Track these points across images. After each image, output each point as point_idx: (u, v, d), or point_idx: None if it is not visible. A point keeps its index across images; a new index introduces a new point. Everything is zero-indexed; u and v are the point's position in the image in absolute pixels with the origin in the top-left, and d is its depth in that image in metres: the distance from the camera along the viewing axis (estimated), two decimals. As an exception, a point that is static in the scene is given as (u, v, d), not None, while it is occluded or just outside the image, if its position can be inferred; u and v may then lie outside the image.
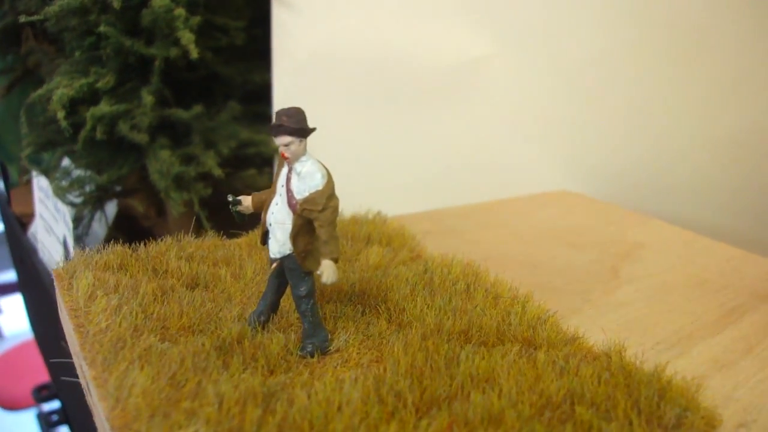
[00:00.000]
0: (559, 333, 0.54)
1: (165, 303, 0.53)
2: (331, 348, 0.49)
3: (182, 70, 1.01)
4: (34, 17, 0.95)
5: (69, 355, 0.58)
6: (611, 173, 1.08)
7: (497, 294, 0.59)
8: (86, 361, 0.48)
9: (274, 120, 0.47)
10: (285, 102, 1.20)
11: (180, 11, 0.92)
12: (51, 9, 0.93)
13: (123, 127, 0.95)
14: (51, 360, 1.23)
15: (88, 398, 0.54)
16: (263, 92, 1.12)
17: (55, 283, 0.62)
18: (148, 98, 0.95)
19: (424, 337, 0.50)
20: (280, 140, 0.47)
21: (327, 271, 0.45)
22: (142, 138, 0.94)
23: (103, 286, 0.55)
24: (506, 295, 0.59)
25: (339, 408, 0.40)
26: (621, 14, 0.97)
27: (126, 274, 0.58)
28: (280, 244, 0.48)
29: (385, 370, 0.45)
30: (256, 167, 1.11)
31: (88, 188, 1.04)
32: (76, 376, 0.61)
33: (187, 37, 0.92)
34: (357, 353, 0.49)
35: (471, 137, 1.11)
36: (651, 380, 0.46)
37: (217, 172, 0.98)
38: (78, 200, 1.04)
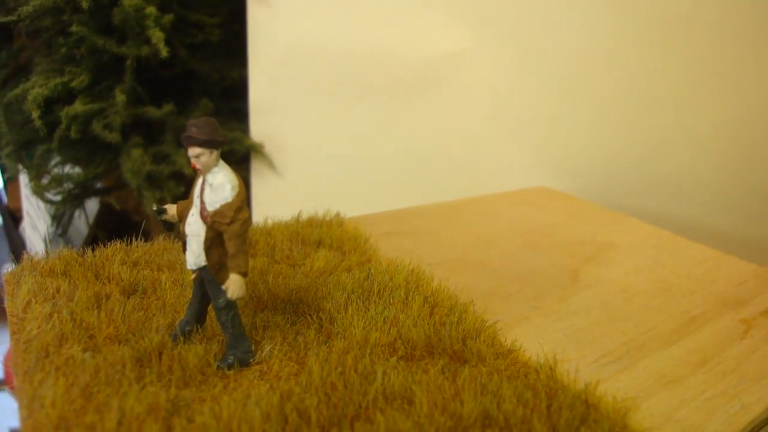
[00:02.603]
0: (494, 346, 0.52)
1: (97, 310, 0.53)
2: (254, 359, 0.49)
3: (157, 68, 1.01)
4: (9, 17, 0.96)
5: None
6: (592, 170, 1.05)
7: (436, 302, 0.58)
8: (16, 367, 0.48)
9: (185, 131, 0.47)
10: (262, 98, 1.20)
11: (151, 10, 0.92)
12: (25, 9, 0.94)
13: (96, 126, 0.95)
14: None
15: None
16: (240, 89, 1.12)
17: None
18: (120, 97, 0.95)
19: (346, 351, 0.49)
20: (191, 152, 0.46)
21: (232, 286, 0.45)
22: (114, 137, 0.95)
23: (43, 292, 0.56)
24: (445, 304, 0.57)
25: (238, 426, 0.40)
26: (600, 8, 0.95)
27: (66, 280, 0.58)
28: (195, 255, 0.47)
29: (296, 385, 0.45)
30: (234, 164, 1.11)
31: (66, 186, 1.05)
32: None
33: (157, 36, 0.92)
34: (278, 365, 0.48)
35: (448, 133, 1.10)
36: (575, 402, 0.44)
37: (188, 171, 0.98)
38: (57, 198, 1.05)
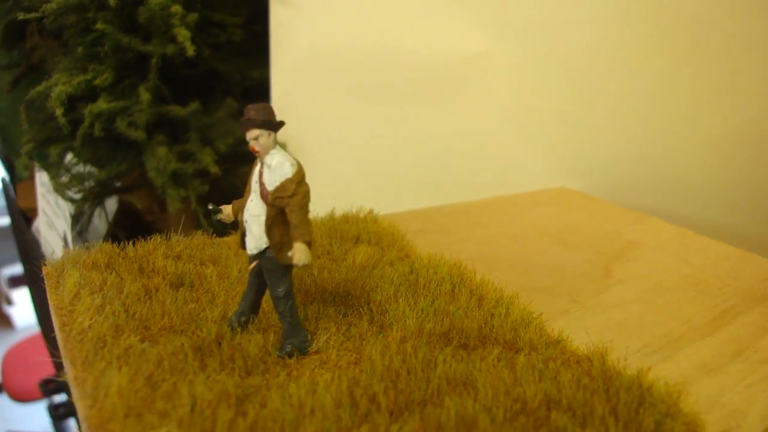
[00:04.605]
0: (543, 336, 0.53)
1: (148, 303, 0.53)
2: (311, 349, 0.49)
3: (180, 67, 1.02)
4: (32, 14, 0.96)
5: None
6: (611, 170, 1.07)
7: (482, 295, 0.59)
8: (68, 360, 0.48)
9: (244, 115, 0.48)
10: (284, 98, 1.20)
11: (176, 8, 0.93)
12: (49, 6, 0.94)
13: (120, 124, 0.95)
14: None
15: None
16: (262, 89, 1.12)
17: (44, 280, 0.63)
18: (145, 95, 0.95)
19: (404, 340, 0.50)
20: (249, 134, 0.47)
21: (298, 253, 0.45)
22: (139, 135, 0.95)
23: (89, 285, 0.56)
24: (491, 297, 0.58)
25: (311, 411, 0.40)
26: (619, 11, 0.96)
27: (112, 273, 0.58)
28: (256, 238, 0.48)
29: (361, 372, 0.45)
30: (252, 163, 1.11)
31: (87, 184, 1.05)
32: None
33: (183, 35, 0.92)
34: (336, 355, 0.49)
35: (469, 133, 1.11)
36: (631, 386, 0.45)
37: (214, 169, 0.98)
38: (77, 196, 1.05)
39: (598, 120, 1.06)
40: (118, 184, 1.12)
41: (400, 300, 0.56)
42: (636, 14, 0.95)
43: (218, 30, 1.05)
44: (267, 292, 0.51)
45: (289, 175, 0.47)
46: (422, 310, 0.54)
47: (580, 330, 0.57)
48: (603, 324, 0.60)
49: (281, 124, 0.48)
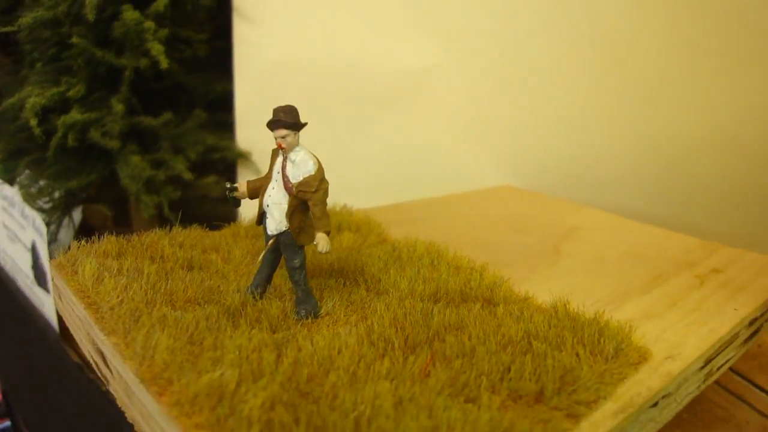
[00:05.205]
0: (513, 294, 0.63)
1: (169, 281, 0.59)
2: (321, 312, 0.57)
3: (149, 80, 1.07)
4: (8, 28, 0.99)
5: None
6: (548, 169, 1.19)
7: (458, 266, 0.68)
8: (104, 332, 0.53)
9: (272, 116, 0.55)
10: (247, 109, 1.27)
11: (150, 24, 0.98)
12: (24, 20, 0.97)
13: (94, 134, 0.99)
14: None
15: (97, 371, 0.60)
16: (224, 101, 1.19)
17: (53, 273, 0.67)
18: (118, 106, 1.00)
19: (401, 299, 0.58)
20: (278, 133, 0.54)
21: (321, 242, 0.53)
22: (114, 144, 0.99)
23: (107, 270, 0.61)
24: (465, 267, 0.68)
25: (339, 351, 0.48)
26: (549, 26, 1.09)
27: (127, 260, 0.63)
28: (277, 222, 0.55)
29: (372, 324, 0.53)
30: (217, 173, 1.18)
31: (56, 194, 1.07)
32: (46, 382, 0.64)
33: (156, 48, 0.98)
34: (344, 315, 0.57)
35: (422, 139, 1.21)
36: (592, 323, 0.56)
37: (187, 175, 1.04)
38: (47, 206, 1.07)
39: (535, 125, 1.19)
40: (84, 195, 1.15)
41: (391, 271, 0.64)
42: (564, 29, 1.08)
43: (184, 45, 1.11)
44: (278, 266, 0.58)
45: (312, 172, 0.54)
46: (411, 278, 0.63)
47: (542, 291, 0.67)
48: (559, 287, 0.70)
49: (304, 124, 0.56)
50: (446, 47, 1.16)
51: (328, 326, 0.55)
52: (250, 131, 1.19)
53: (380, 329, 0.52)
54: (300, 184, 0.54)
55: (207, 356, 0.47)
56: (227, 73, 1.18)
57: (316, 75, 1.18)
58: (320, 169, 0.55)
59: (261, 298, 0.58)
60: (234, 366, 0.45)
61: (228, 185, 0.59)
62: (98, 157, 1.06)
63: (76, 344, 0.88)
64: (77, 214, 1.17)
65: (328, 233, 0.53)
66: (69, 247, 0.68)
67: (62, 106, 1.00)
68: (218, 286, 0.60)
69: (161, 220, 1.06)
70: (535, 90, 1.17)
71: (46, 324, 0.99)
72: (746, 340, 0.69)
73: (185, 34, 1.10)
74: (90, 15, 0.93)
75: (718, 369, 0.64)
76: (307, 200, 0.54)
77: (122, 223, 1.23)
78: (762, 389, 0.80)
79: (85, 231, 1.23)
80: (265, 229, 0.57)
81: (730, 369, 0.83)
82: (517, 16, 1.12)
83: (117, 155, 1.02)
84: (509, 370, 0.47)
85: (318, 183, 0.54)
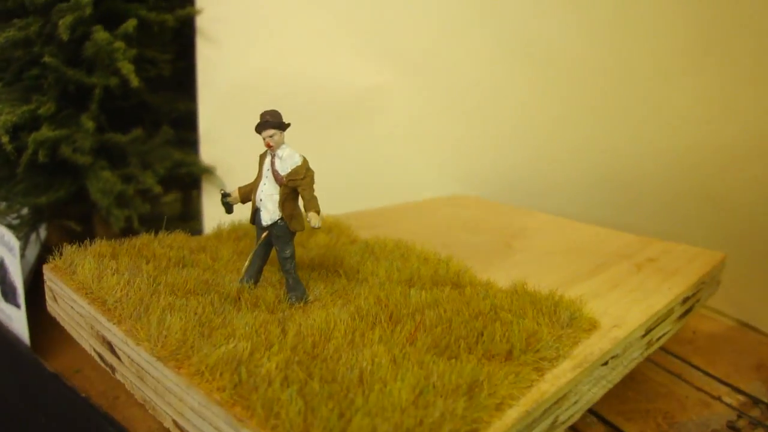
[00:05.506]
0: (477, 279, 0.71)
1: (168, 275, 0.64)
2: (310, 298, 0.63)
3: (116, 99, 1.11)
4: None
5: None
6: (492, 178, 1.30)
7: (426, 258, 0.76)
8: (113, 320, 0.58)
9: (259, 120, 0.62)
10: (211, 127, 1.32)
11: (120, 44, 1.03)
12: (-5, 40, 1.00)
13: (66, 150, 1.02)
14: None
15: (100, 362, 0.63)
16: (187, 119, 1.24)
17: (48, 276, 0.70)
18: (89, 123, 1.04)
19: (381, 284, 0.65)
20: (266, 133, 0.61)
21: (314, 219, 0.60)
22: (86, 159, 1.03)
23: (107, 269, 0.65)
24: (433, 259, 0.76)
25: (335, 324, 0.54)
26: (494, 45, 1.20)
27: (123, 260, 0.68)
28: (270, 212, 0.62)
29: (359, 303, 0.60)
30: (181, 190, 1.23)
31: (24, 211, 1.09)
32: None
33: (127, 68, 1.03)
34: (331, 300, 0.63)
35: (373, 153, 1.29)
36: (548, 298, 0.64)
37: (157, 188, 1.08)
38: (15, 222, 1.09)
39: (480, 138, 1.29)
40: (50, 212, 1.16)
41: (367, 263, 0.71)
42: (506, 48, 1.19)
43: (149, 65, 1.15)
44: (269, 258, 0.65)
45: (299, 163, 0.61)
46: (387, 268, 0.70)
47: (501, 278, 0.75)
48: (515, 275, 0.78)
49: (288, 125, 0.63)
50: (397, 66, 1.25)
51: (319, 308, 0.61)
52: (214, 148, 1.24)
53: (367, 307, 0.59)
54: (290, 173, 0.61)
55: (219, 332, 0.52)
56: (189, 92, 1.23)
57: (276, 94, 1.25)
58: (305, 161, 0.62)
59: (255, 286, 0.64)
60: (245, 339, 0.51)
61: (222, 191, 0.66)
62: (66, 174, 1.09)
63: (51, 355, 0.92)
64: (42, 231, 1.18)
65: (318, 212, 0.60)
66: (61, 254, 0.72)
67: (32, 123, 1.03)
68: (213, 279, 0.65)
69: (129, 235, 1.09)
70: (480, 106, 1.27)
71: (15, 339, 1.01)
72: (680, 317, 0.79)
73: (150, 55, 1.14)
74: (64, 35, 0.97)
75: (658, 339, 0.73)
76: (297, 187, 0.61)
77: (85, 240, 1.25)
78: (698, 368, 0.92)
79: (47, 248, 1.24)
80: (258, 224, 0.63)
81: (670, 353, 0.94)
82: (462, 36, 1.23)
83: (87, 171, 1.05)
84: (482, 334, 0.55)
85: (305, 171, 0.61)
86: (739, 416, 0.80)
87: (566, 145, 1.22)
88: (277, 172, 0.62)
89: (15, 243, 1.03)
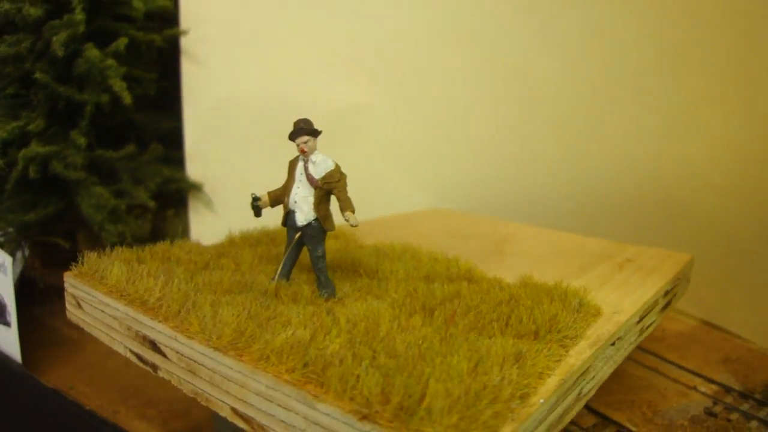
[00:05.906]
0: (486, 276, 0.77)
1: (203, 276, 0.66)
2: (339, 295, 0.67)
3: (104, 116, 1.12)
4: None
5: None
6: (468, 193, 1.37)
7: (435, 258, 0.81)
8: (158, 318, 0.60)
9: (293, 128, 0.66)
10: (196, 145, 1.34)
11: (111, 62, 1.05)
12: (-13, 56, 1.00)
13: (57, 166, 1.03)
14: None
15: (139, 363, 0.65)
16: (172, 137, 1.26)
17: (71, 283, 0.71)
18: (80, 139, 1.04)
19: (405, 280, 0.70)
20: (300, 139, 0.66)
21: (351, 218, 0.64)
22: (78, 175, 1.03)
23: (137, 272, 0.67)
24: (442, 259, 0.81)
25: (378, 313, 0.59)
26: (469, 64, 1.29)
27: (152, 264, 0.70)
28: (305, 213, 0.66)
29: (390, 296, 0.64)
30: (173, 206, 1.24)
31: (11, 229, 1.08)
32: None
33: (119, 85, 1.05)
34: (360, 295, 0.67)
35: (353, 170, 1.34)
36: (557, 288, 0.71)
37: (151, 203, 1.09)
38: (1, 239, 1.07)
39: (456, 153, 1.36)
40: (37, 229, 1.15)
41: (384, 263, 0.76)
42: (481, 68, 1.28)
43: (136, 84, 1.17)
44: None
45: (333, 167, 0.66)
46: (404, 266, 0.75)
47: (504, 276, 0.81)
48: (512, 275, 0.85)
49: (320, 131, 0.67)
50: (377, 85, 1.32)
51: (354, 301, 0.65)
52: (200, 165, 1.26)
53: (401, 299, 0.63)
54: (325, 177, 0.65)
55: (274, 322, 0.56)
56: (174, 111, 1.25)
57: (260, 112, 1.28)
58: (338, 165, 0.66)
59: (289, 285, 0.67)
60: (302, 326, 0.54)
61: (253, 195, 0.69)
62: (54, 191, 1.08)
63: (42, 373, 0.92)
64: (27, 249, 1.17)
65: (353, 212, 0.65)
66: (83, 262, 0.73)
67: (21, 139, 1.03)
68: (245, 280, 0.68)
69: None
70: (455, 124, 1.35)
71: (6, 358, 1.00)
72: (663, 309, 0.87)
73: (137, 73, 1.16)
74: (59, 51, 0.98)
75: (647, 327, 0.81)
76: (331, 189, 0.65)
77: (70, 258, 1.23)
78: (672, 362, 1.00)
79: (29, 266, 1.22)
80: (290, 226, 0.67)
81: (645, 350, 1.02)
82: (437, 56, 1.31)
83: (79, 187, 1.05)
84: (510, 317, 0.61)
85: (339, 174, 0.66)
86: (715, 403, 0.88)
87: (539, 160, 1.30)
88: (311, 175, 0.66)
89: (7, 260, 1.01)
